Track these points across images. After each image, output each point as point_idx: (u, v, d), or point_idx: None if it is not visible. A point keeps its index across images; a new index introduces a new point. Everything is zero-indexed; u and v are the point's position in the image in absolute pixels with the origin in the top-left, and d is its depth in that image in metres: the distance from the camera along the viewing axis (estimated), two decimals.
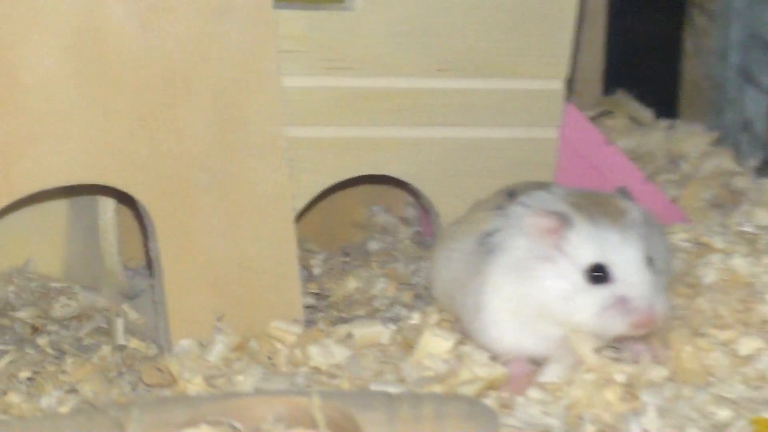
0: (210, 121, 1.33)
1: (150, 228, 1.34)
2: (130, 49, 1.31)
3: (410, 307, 1.45)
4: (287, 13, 1.34)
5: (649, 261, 1.17)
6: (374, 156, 1.44)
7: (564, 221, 1.17)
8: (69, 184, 1.34)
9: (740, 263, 1.34)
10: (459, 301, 1.26)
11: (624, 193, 1.22)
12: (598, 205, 1.19)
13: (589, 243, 1.17)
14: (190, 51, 1.34)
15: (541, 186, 1.27)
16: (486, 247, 1.24)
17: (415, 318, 1.36)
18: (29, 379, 1.31)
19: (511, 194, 1.26)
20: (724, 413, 1.13)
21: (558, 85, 1.46)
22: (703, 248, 1.40)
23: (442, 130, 1.44)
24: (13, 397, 1.26)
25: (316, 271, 1.55)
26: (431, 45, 1.42)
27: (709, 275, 1.34)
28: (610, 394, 1.16)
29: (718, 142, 1.82)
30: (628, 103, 1.89)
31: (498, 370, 1.24)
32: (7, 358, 1.35)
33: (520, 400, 1.19)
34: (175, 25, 1.33)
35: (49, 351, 1.37)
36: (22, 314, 1.43)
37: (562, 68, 1.46)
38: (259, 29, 1.34)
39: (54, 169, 1.30)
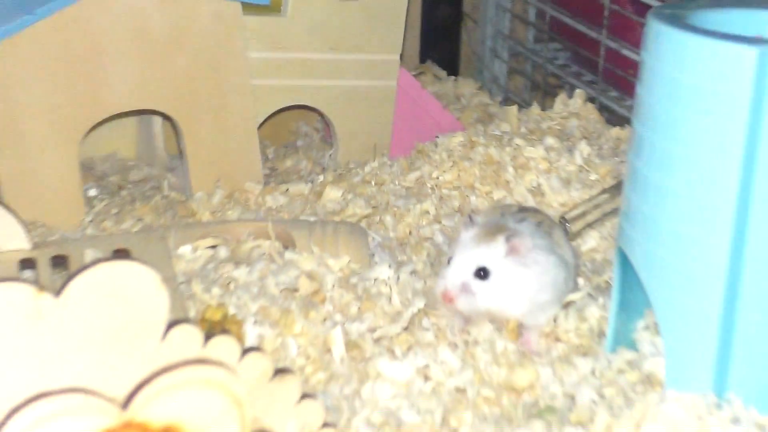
0: (210, 78, 1.49)
1: (179, 132, 1.50)
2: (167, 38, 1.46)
3: (318, 174, 1.62)
4: (251, 18, 1.51)
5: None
6: (299, 94, 1.60)
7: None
8: (135, 108, 1.51)
9: (493, 151, 1.48)
10: None
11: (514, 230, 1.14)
12: (488, 233, 1.13)
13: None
14: (199, 40, 1.47)
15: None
16: None
17: (321, 178, 1.54)
18: (116, 213, 1.47)
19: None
20: None
21: (396, 56, 1.63)
22: (473, 143, 1.51)
23: (333, 81, 1.61)
24: (107, 224, 1.44)
25: (270, 156, 1.71)
26: (326, 35, 1.58)
27: (476, 158, 1.48)
28: None
29: (480, 88, 1.97)
30: (432, 67, 2.02)
31: (365, 211, 1.44)
32: (104, 202, 1.50)
33: None
34: (193, 26, 1.47)
35: (127, 198, 1.52)
36: (112, 179, 1.58)
37: (398, 47, 1.62)
38: (236, 26, 1.49)
39: (122, 102, 1.47)
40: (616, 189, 1.34)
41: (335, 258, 1.28)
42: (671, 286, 1.01)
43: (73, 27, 1.41)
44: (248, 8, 1.50)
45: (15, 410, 0.75)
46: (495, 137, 1.52)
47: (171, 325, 0.91)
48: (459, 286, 1.11)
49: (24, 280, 0.87)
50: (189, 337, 0.92)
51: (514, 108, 1.66)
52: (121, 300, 0.88)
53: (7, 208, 1.23)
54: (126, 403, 0.77)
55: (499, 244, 1.11)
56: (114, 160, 1.65)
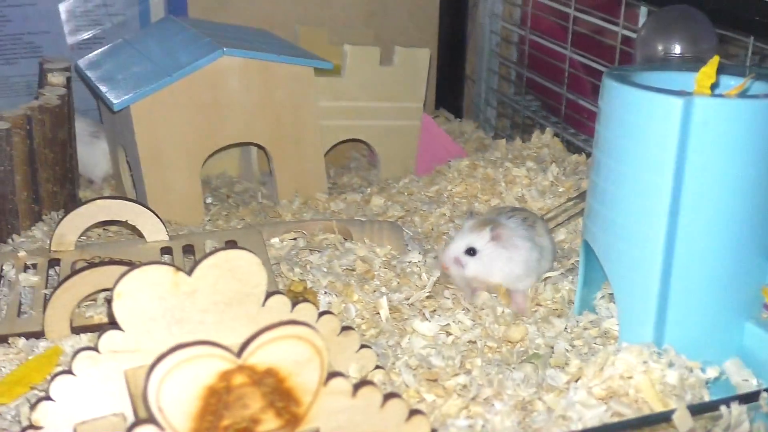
0: (291, 120, 1.46)
1: (270, 158, 1.48)
2: (262, 92, 1.43)
3: (366, 187, 1.58)
4: (320, 78, 1.48)
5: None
6: (352, 131, 1.57)
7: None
8: (240, 141, 1.46)
9: (490, 171, 1.44)
10: None
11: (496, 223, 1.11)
12: (480, 224, 1.11)
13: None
14: (285, 93, 1.45)
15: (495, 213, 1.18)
16: None
17: (368, 190, 1.50)
18: (225, 215, 1.44)
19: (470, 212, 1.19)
20: None
21: (420, 104, 1.59)
22: (475, 166, 1.48)
23: (376, 121, 1.58)
24: (220, 222, 1.41)
25: (331, 174, 1.65)
26: (372, 89, 1.54)
27: (478, 176, 1.45)
28: None
29: (477, 127, 1.89)
30: (444, 112, 1.95)
31: (400, 213, 1.40)
32: (217, 207, 1.47)
33: None
34: (280, 84, 1.44)
35: (233, 204, 1.49)
36: (222, 190, 1.55)
37: (422, 98, 1.59)
38: (309, 83, 1.45)
39: (232, 136, 1.44)
40: (578, 198, 1.32)
41: (380, 247, 1.26)
42: (622, 266, 0.99)
43: (200, 84, 1.40)
44: (318, 71, 1.49)
45: (161, 357, 0.72)
46: (491, 161, 1.50)
47: (269, 295, 0.89)
48: (452, 260, 1.10)
49: (166, 263, 0.86)
50: (281, 304, 0.91)
51: (503, 141, 1.63)
52: (234, 277, 0.86)
53: (152, 210, 1.20)
54: (240, 352, 0.74)
55: (486, 232, 1.10)
56: (224, 177, 1.63)
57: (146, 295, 0.84)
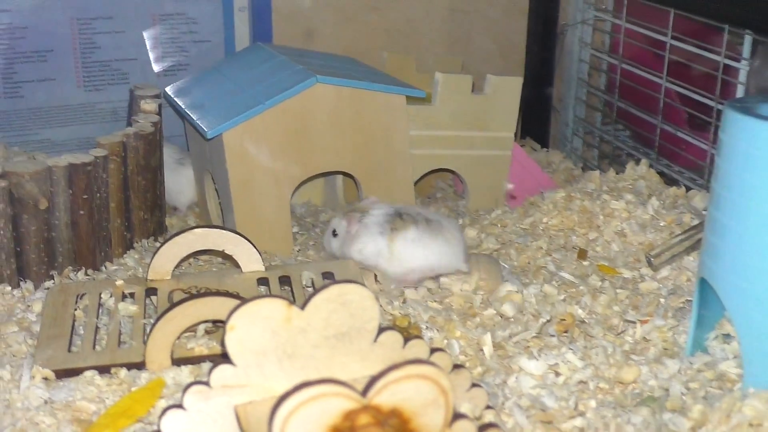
0: (382, 148, 1.45)
1: (359, 186, 1.47)
2: (353, 120, 1.43)
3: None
4: (411, 106, 1.48)
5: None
6: (443, 161, 1.56)
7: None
8: (330, 170, 1.47)
9: (587, 204, 1.41)
10: None
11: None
12: (350, 211, 1.26)
13: None
14: (375, 122, 1.45)
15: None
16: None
17: (460, 221, 1.49)
18: (312, 244, 1.44)
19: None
20: None
21: (511, 134, 1.58)
22: (571, 198, 1.44)
23: (467, 151, 1.56)
24: (309, 253, 1.41)
25: (418, 204, 1.56)
26: (463, 118, 1.54)
27: (575, 208, 1.41)
28: None
29: (565, 157, 1.88)
30: (530, 142, 1.94)
31: (495, 246, 1.38)
32: (304, 236, 1.48)
33: None
34: (371, 112, 1.44)
35: (320, 234, 1.48)
36: (308, 219, 1.55)
37: (513, 127, 1.58)
38: (401, 112, 1.45)
39: (322, 164, 1.44)
40: (683, 235, 1.28)
41: (478, 280, 1.25)
42: (747, 305, 0.96)
43: (291, 113, 1.40)
44: (410, 99, 1.48)
45: (286, 395, 0.71)
46: (587, 193, 1.46)
47: (381, 330, 0.88)
48: (326, 239, 1.28)
49: (279, 296, 0.85)
50: (394, 340, 0.90)
51: (596, 173, 1.58)
52: (347, 311, 0.86)
53: (250, 241, 1.20)
54: (365, 391, 0.72)
55: (344, 220, 1.25)
56: (308, 206, 1.63)
57: (259, 329, 0.85)
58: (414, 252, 1.22)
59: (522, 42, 1.95)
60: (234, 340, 0.85)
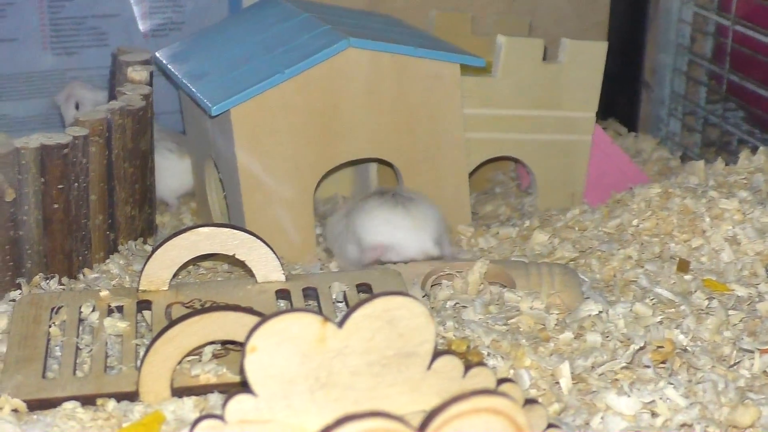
0: (429, 130, 1.50)
1: (400, 178, 1.51)
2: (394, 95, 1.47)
3: (515, 219, 1.62)
4: (466, 78, 1.51)
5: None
6: (505, 147, 1.60)
7: None
8: (364, 157, 1.51)
9: (689, 202, 1.41)
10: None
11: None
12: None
13: None
14: (422, 97, 1.49)
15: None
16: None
17: (526, 223, 1.53)
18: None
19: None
20: None
21: (592, 114, 1.62)
22: (669, 194, 1.44)
23: (535, 135, 1.60)
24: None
25: (471, 201, 1.62)
26: (531, 94, 1.58)
27: (673, 208, 1.41)
28: None
29: (659, 144, 1.94)
30: (613, 125, 2.00)
31: (572, 254, 1.41)
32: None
33: None
34: (417, 85, 1.48)
35: None
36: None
37: (594, 106, 1.61)
38: (454, 85, 1.49)
39: (353, 150, 1.48)
40: None
41: (550, 296, 1.27)
42: None
43: (316, 85, 1.43)
44: (464, 69, 1.51)
45: (327, 430, 0.74)
46: (689, 189, 1.47)
47: (436, 355, 0.90)
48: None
49: (312, 311, 0.88)
50: (452, 367, 0.92)
51: (701, 162, 1.59)
52: (394, 331, 0.89)
53: (268, 244, 1.23)
54: (422, 428, 0.75)
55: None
56: (335, 201, 1.67)
57: (286, 352, 0.88)
58: (367, 224, 1.31)
59: None
60: (255, 364, 0.87)
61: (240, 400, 0.88)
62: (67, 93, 1.68)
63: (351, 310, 0.89)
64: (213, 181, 1.60)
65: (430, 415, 0.75)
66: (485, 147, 1.59)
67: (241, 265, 1.31)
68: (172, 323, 1.05)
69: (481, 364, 0.95)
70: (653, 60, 2.00)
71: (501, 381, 0.95)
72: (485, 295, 1.29)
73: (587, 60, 1.60)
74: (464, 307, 1.26)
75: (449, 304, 1.26)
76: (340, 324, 0.89)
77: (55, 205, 1.31)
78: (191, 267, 1.39)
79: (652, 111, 2.02)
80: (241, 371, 0.88)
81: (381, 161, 1.57)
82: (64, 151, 1.30)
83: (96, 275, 1.37)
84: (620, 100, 2.00)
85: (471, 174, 1.61)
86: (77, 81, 1.71)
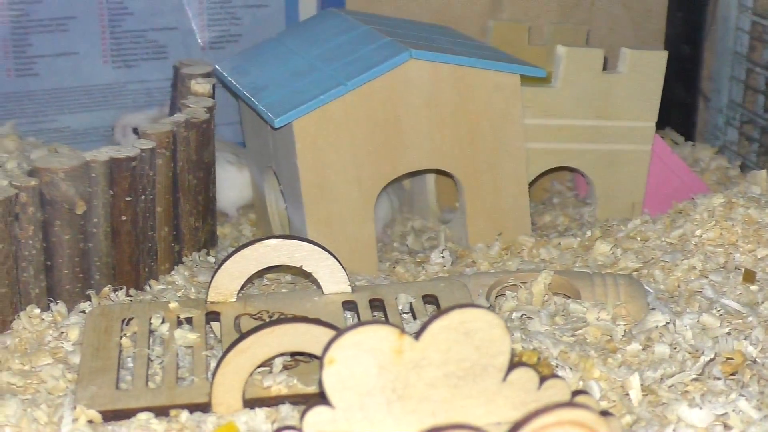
0: (489, 140, 1.50)
1: (460, 189, 1.51)
2: (454, 106, 1.48)
3: (574, 229, 1.62)
4: (526, 88, 1.52)
5: None
6: (565, 157, 1.59)
7: None
8: (425, 168, 1.52)
9: (753, 212, 1.41)
10: None
11: None
12: None
13: None
14: (482, 107, 1.49)
15: None
16: None
17: (588, 234, 1.51)
18: (394, 264, 1.51)
19: None
20: None
21: (652, 123, 1.61)
22: (732, 204, 1.44)
23: (595, 145, 1.60)
24: (398, 270, 1.47)
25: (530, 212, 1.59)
26: (591, 104, 1.57)
27: (737, 218, 1.41)
28: None
29: (717, 153, 1.91)
30: (670, 134, 1.97)
31: (635, 265, 1.41)
32: (383, 250, 1.57)
33: None
34: (477, 96, 1.48)
35: (406, 250, 1.57)
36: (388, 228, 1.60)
37: (654, 115, 1.60)
38: (514, 95, 1.50)
39: (415, 161, 1.49)
40: None
41: (616, 307, 1.28)
42: None
43: (378, 97, 1.44)
44: (524, 79, 1.52)
45: None
46: (753, 199, 1.46)
47: (512, 367, 0.91)
48: None
49: (390, 323, 0.89)
50: (527, 378, 0.93)
51: (763, 172, 1.59)
52: (471, 343, 0.90)
53: (334, 256, 1.24)
54: None
55: None
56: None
57: (364, 364, 0.89)
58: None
59: (661, 4, 1.98)
60: (333, 376, 0.89)
61: (318, 412, 0.90)
62: (120, 127, 1.69)
63: (428, 322, 0.90)
64: (273, 193, 1.62)
65: (515, 428, 0.76)
66: (545, 157, 1.59)
67: (305, 275, 1.33)
68: (245, 334, 1.07)
69: (554, 375, 0.96)
70: (710, 68, 2.01)
71: (575, 393, 0.95)
72: (550, 306, 1.30)
73: (647, 69, 1.59)
74: (530, 318, 1.27)
75: (515, 315, 1.27)
76: (417, 336, 0.90)
77: (123, 217, 1.32)
78: (255, 279, 1.39)
79: (710, 119, 2.03)
80: (319, 383, 0.89)
81: (439, 172, 1.59)
82: (133, 163, 1.32)
83: (162, 286, 1.39)
84: (677, 109, 2.00)
85: (529, 184, 1.61)
86: (122, 114, 1.72)
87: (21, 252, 1.25)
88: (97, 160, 1.30)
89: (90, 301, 1.31)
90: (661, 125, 1.92)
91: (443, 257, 1.48)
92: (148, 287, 1.39)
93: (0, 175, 1.38)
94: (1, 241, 1.22)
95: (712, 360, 1.15)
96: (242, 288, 1.29)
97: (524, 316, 1.27)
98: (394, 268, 1.50)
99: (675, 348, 1.19)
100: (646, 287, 1.35)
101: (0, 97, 1.76)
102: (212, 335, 1.25)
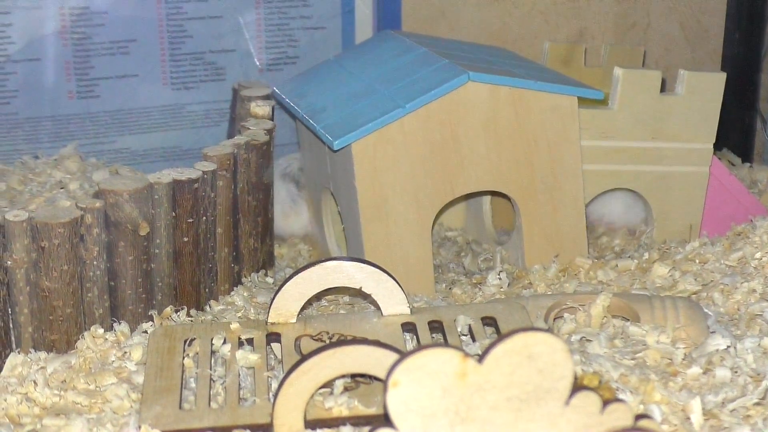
0: (547, 162, 1.50)
1: (517, 211, 1.51)
2: (512, 127, 1.48)
3: (627, 251, 1.62)
4: (583, 110, 1.52)
5: None
6: (621, 178, 1.60)
7: None
8: (483, 189, 1.51)
9: None
10: None
11: None
12: None
13: None
14: (540, 129, 1.49)
15: None
16: None
17: (645, 256, 1.51)
18: (458, 280, 1.53)
19: None
20: None
21: (710, 145, 1.61)
22: None
23: (652, 166, 1.60)
24: (455, 292, 1.47)
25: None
26: (648, 126, 1.58)
27: None
28: None
29: None
30: (727, 155, 2.00)
31: (695, 287, 1.41)
32: (441, 271, 1.59)
33: None
34: (535, 117, 1.48)
35: (462, 271, 1.58)
36: (441, 249, 1.65)
37: (712, 137, 1.61)
38: (572, 117, 1.49)
39: (473, 183, 1.49)
40: None
41: (676, 330, 1.27)
42: None
43: (436, 119, 1.45)
44: (581, 101, 1.52)
45: None
46: None
47: (575, 390, 0.91)
48: None
49: (453, 347, 0.90)
50: (590, 402, 0.93)
51: None
52: (534, 367, 0.91)
53: (394, 277, 1.25)
54: None
55: None
56: (441, 233, 1.70)
57: (428, 387, 0.90)
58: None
59: (718, 25, 1.98)
60: (397, 399, 0.90)
61: None
62: None
63: (491, 345, 0.91)
64: (330, 213, 1.63)
65: None
66: (602, 179, 1.59)
67: (363, 296, 1.34)
68: (307, 356, 1.07)
69: (617, 399, 0.96)
70: None
71: (638, 417, 0.95)
72: (609, 329, 1.30)
73: (705, 91, 1.59)
74: (589, 340, 1.27)
75: (574, 337, 1.27)
76: (481, 359, 0.91)
77: (185, 239, 1.34)
78: (314, 300, 1.41)
79: (767, 141, 2.03)
80: (383, 405, 0.90)
81: (494, 193, 1.59)
82: (195, 185, 1.34)
83: (222, 307, 1.41)
84: (734, 130, 2.00)
85: (587, 205, 1.61)
86: None
87: (86, 273, 1.27)
88: (161, 182, 1.32)
89: (152, 321, 1.33)
90: (718, 146, 1.93)
91: (500, 279, 1.48)
92: (208, 308, 1.41)
93: (64, 196, 1.40)
94: (66, 262, 1.24)
95: None
96: (302, 309, 1.30)
97: (583, 339, 1.27)
98: (450, 289, 1.51)
99: (736, 372, 1.19)
100: (706, 310, 1.35)
101: (62, 118, 1.81)
102: (273, 356, 1.26)
